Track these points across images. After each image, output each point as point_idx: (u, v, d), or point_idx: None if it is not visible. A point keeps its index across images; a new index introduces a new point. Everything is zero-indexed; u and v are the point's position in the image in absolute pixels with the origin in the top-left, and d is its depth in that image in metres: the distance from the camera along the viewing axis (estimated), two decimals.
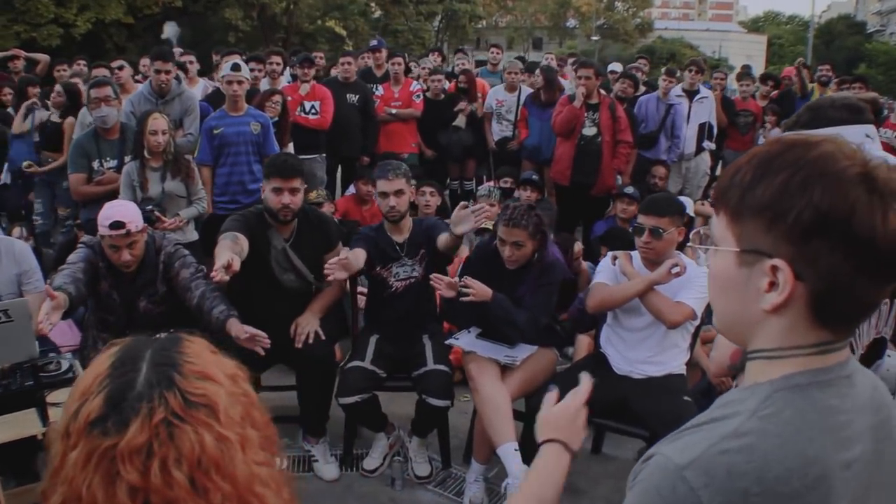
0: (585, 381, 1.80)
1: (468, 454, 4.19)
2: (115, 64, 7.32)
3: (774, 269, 1.08)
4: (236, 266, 3.49)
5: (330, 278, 3.85)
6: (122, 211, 3.85)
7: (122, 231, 3.76)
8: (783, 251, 1.07)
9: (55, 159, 6.76)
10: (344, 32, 33.99)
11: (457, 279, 3.81)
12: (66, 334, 4.64)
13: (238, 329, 3.73)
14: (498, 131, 8.44)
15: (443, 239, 4.05)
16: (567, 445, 1.69)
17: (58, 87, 7.02)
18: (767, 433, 1.06)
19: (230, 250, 3.63)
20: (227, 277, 3.46)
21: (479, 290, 3.74)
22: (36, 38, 22.23)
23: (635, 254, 3.89)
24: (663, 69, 9.26)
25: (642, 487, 1.11)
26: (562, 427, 1.71)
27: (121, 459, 0.93)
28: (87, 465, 0.93)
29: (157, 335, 3.16)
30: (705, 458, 1.06)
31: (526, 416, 3.93)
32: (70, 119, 6.98)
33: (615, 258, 3.90)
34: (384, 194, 4.14)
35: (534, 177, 6.91)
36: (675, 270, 3.61)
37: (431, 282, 3.85)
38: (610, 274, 3.91)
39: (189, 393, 0.99)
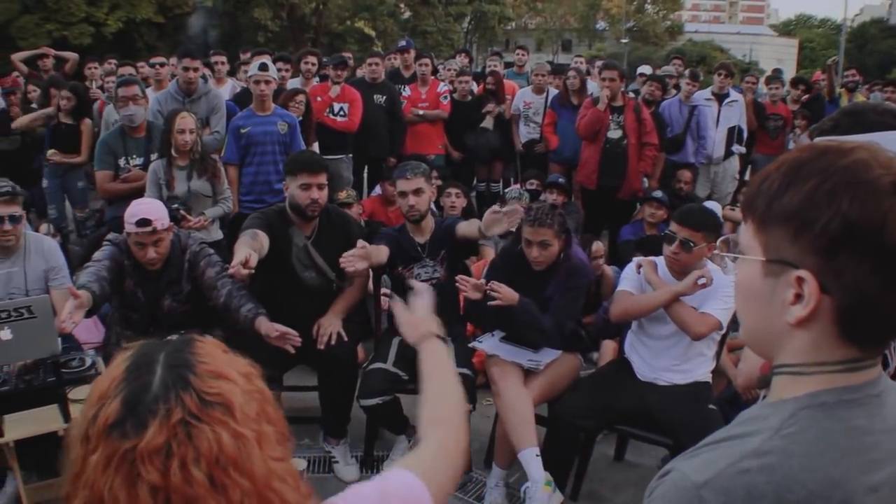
0: (418, 286, 2.06)
1: (489, 458, 4.17)
2: (156, 60, 7.34)
3: (800, 280, 1.04)
4: (253, 262, 3.50)
5: (350, 269, 3.82)
6: (149, 209, 3.88)
7: (149, 228, 3.79)
8: (809, 262, 1.03)
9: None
10: (373, 33, 34.09)
11: (483, 281, 3.79)
12: (91, 331, 4.68)
13: (268, 327, 3.76)
14: (525, 133, 8.40)
15: (463, 226, 4.05)
16: (441, 337, 1.83)
17: (65, 92, 7.05)
18: (790, 453, 1.02)
19: (248, 246, 3.64)
20: (244, 272, 3.46)
21: (505, 293, 3.71)
22: (67, 37, 22.53)
23: (660, 261, 3.84)
24: (687, 72, 9.19)
25: None
26: (428, 323, 1.86)
27: (141, 461, 0.94)
28: (108, 467, 0.95)
29: (172, 337, 3.18)
30: (724, 476, 1.02)
31: (548, 421, 3.90)
32: (87, 121, 7.05)
33: (639, 266, 3.86)
34: (403, 194, 4.13)
35: (560, 180, 6.89)
36: (700, 282, 3.55)
37: (457, 283, 3.82)
38: (634, 282, 3.87)
39: (205, 392, 1.01)
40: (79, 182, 7.24)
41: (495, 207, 3.84)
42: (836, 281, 1.02)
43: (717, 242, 1.26)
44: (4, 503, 3.92)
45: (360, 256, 3.75)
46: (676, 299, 3.62)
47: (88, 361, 3.87)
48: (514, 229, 3.89)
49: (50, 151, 6.85)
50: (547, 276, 3.92)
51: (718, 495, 1.01)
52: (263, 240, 3.88)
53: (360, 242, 3.90)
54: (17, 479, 3.51)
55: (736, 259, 1.18)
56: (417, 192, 4.11)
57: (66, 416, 3.40)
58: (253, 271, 3.52)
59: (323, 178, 4.12)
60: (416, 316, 1.90)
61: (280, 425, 1.09)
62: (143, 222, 3.78)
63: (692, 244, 3.59)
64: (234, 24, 30.30)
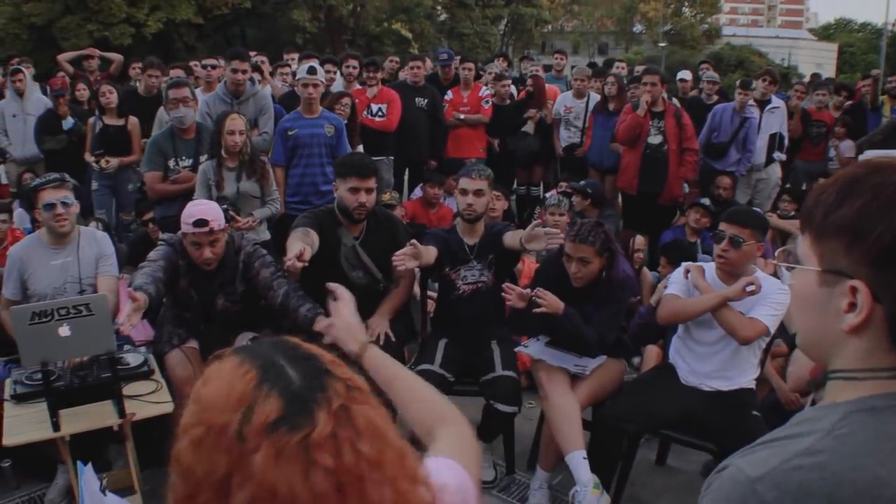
0: (339, 289, 2.11)
1: (532, 461, 4.20)
2: (208, 62, 7.43)
3: (853, 290, 1.10)
4: (307, 256, 3.57)
5: (401, 268, 3.87)
6: (206, 209, 3.95)
7: (206, 229, 3.86)
8: (862, 272, 1.09)
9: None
10: (409, 35, 34.14)
11: (528, 290, 3.82)
12: (137, 329, 4.74)
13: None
14: (566, 137, 8.43)
15: (509, 236, 4.10)
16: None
17: (105, 87, 7.18)
18: (840, 453, 1.07)
19: (301, 241, 3.71)
20: (298, 265, 3.53)
21: (551, 301, 3.74)
22: (108, 38, 22.84)
23: (709, 266, 3.85)
24: (737, 81, 9.11)
25: (713, 497, 1.13)
26: (360, 330, 1.96)
27: (315, 448, 0.99)
28: (280, 461, 0.98)
29: (242, 338, 3.21)
30: (778, 472, 1.07)
31: (592, 425, 3.93)
32: (133, 119, 7.14)
33: (687, 271, 3.87)
34: (464, 191, 4.17)
35: (588, 188, 6.83)
36: (749, 289, 3.54)
37: (503, 293, 3.84)
38: (682, 286, 3.87)
39: (345, 379, 1.08)
40: (129, 185, 7.32)
41: (537, 224, 3.88)
42: (887, 290, 1.08)
43: (777, 252, 1.30)
44: (56, 496, 4.02)
45: (411, 255, 3.80)
46: (725, 304, 3.63)
47: (141, 359, 3.97)
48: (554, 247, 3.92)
49: (96, 160, 6.92)
50: (588, 293, 3.95)
51: (771, 490, 1.06)
52: (314, 237, 3.95)
53: (412, 242, 3.95)
54: (69, 473, 3.59)
55: (793, 269, 1.23)
56: (478, 192, 4.15)
57: (122, 412, 3.47)
58: (307, 264, 3.59)
59: (372, 183, 4.19)
60: (348, 322, 1.98)
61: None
62: (201, 222, 3.85)
63: (741, 240, 3.61)
64: (272, 26, 30.53)
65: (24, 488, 4.15)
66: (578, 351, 4.00)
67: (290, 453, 0.98)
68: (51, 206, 4.04)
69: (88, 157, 7.08)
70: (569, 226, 3.95)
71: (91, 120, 7.26)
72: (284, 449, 0.98)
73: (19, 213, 6.64)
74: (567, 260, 3.91)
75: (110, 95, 7.16)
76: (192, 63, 7.67)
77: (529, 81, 8.65)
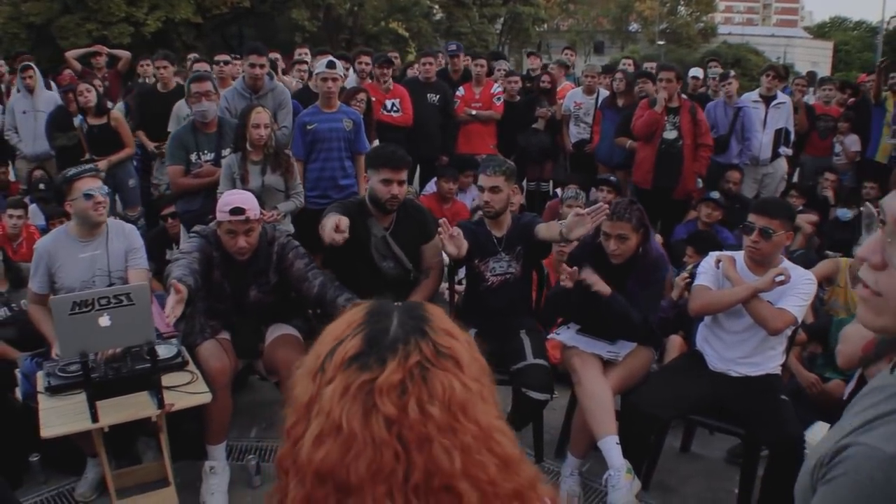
0: None
1: (561, 449, 4.25)
2: (220, 58, 7.40)
3: None
4: (344, 225, 3.68)
5: (447, 245, 3.97)
6: (242, 198, 3.98)
7: (242, 217, 3.89)
8: None
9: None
10: (407, 34, 34.13)
11: (576, 269, 3.87)
12: (156, 320, 4.73)
13: None
14: (575, 133, 8.48)
15: (543, 228, 4.14)
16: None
17: (83, 85, 7.14)
18: None
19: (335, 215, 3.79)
20: (337, 237, 3.58)
21: (598, 282, 3.83)
22: (107, 37, 22.70)
23: (739, 255, 3.90)
24: (719, 74, 9.16)
25: (852, 480, 1.13)
26: None
27: (378, 392, 1.01)
28: (345, 395, 1.02)
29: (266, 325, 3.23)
30: None
31: (622, 412, 3.97)
32: (115, 112, 7.11)
33: (718, 261, 3.91)
34: (482, 188, 4.23)
35: (611, 178, 6.95)
36: (779, 279, 3.62)
37: (561, 273, 3.90)
38: (712, 276, 3.92)
39: (439, 344, 1.08)
40: (130, 180, 7.31)
41: (578, 209, 3.91)
42: None
43: (858, 285, 1.32)
44: (87, 489, 4.03)
45: (455, 238, 3.89)
46: (755, 295, 3.68)
47: (175, 350, 3.93)
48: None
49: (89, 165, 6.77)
50: (626, 270, 4.00)
51: None
52: (346, 220, 4.00)
53: (455, 228, 4.01)
54: (103, 466, 3.58)
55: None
56: (494, 189, 4.19)
57: (161, 402, 3.44)
58: (346, 234, 3.63)
59: (404, 175, 4.24)
60: None
61: (494, 394, 1.15)
62: (237, 210, 3.88)
63: (771, 231, 3.66)
64: (271, 25, 30.49)
65: (52, 483, 4.16)
66: (609, 338, 4.04)
67: (355, 392, 1.02)
68: (90, 196, 4.01)
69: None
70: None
71: (76, 121, 7.20)
72: (350, 386, 1.02)
73: (33, 208, 6.64)
74: (605, 238, 3.96)
75: (88, 94, 7.07)
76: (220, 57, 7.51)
77: (545, 77, 8.68)
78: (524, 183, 8.54)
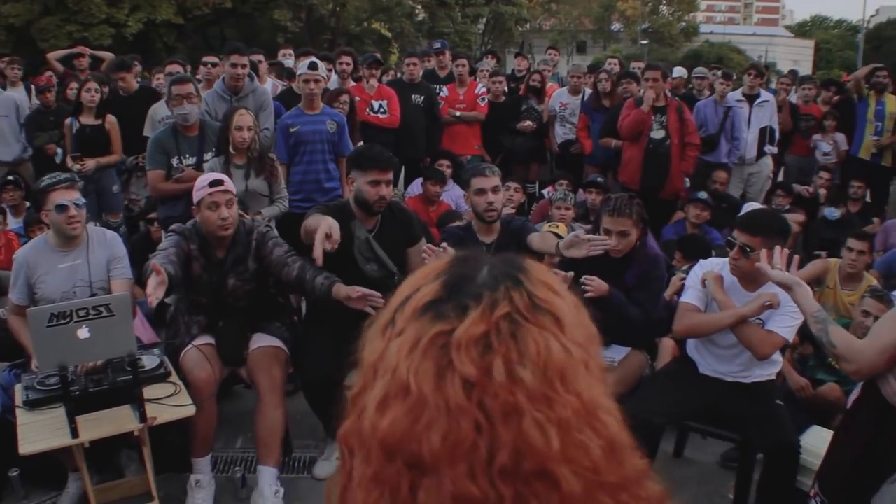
0: None
1: None
2: (209, 59, 7.25)
3: None
4: (336, 234, 3.61)
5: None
6: (216, 175, 4.08)
7: (222, 187, 3.92)
8: None
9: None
10: (389, 34, 34.12)
11: (571, 274, 3.79)
12: (138, 329, 4.61)
13: (347, 290, 3.82)
14: (561, 134, 8.43)
15: (537, 240, 4.06)
16: None
17: (91, 84, 6.96)
18: None
19: (324, 219, 3.71)
20: (327, 247, 3.55)
21: (597, 284, 3.77)
22: (88, 38, 22.55)
23: (727, 271, 3.76)
24: (719, 72, 9.17)
25: None
26: None
27: (455, 348, 0.82)
28: (414, 350, 0.84)
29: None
30: None
31: None
32: (111, 117, 6.94)
33: (704, 281, 3.79)
34: (482, 191, 4.14)
35: (599, 179, 6.92)
36: (766, 304, 3.53)
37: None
38: (698, 294, 3.81)
39: (536, 297, 0.87)
40: (113, 186, 7.12)
41: (580, 232, 3.84)
42: None
43: None
44: None
45: (437, 254, 3.81)
46: (743, 321, 3.59)
47: (157, 361, 3.86)
48: (557, 230, 3.92)
49: (74, 164, 6.51)
50: (624, 265, 3.96)
51: None
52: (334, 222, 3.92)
53: (442, 245, 3.93)
54: (84, 481, 3.51)
55: None
56: (496, 189, 4.14)
57: (143, 416, 3.36)
58: (338, 243, 3.62)
59: (391, 175, 4.17)
60: None
61: (603, 369, 0.93)
62: (216, 182, 3.93)
63: (751, 249, 3.52)
64: (253, 26, 30.41)
65: (32, 498, 4.06)
66: (604, 342, 3.98)
67: (426, 345, 0.83)
68: (63, 208, 3.89)
69: (68, 161, 6.70)
70: (603, 202, 3.94)
71: (67, 121, 7.01)
72: (421, 339, 0.84)
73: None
74: (606, 234, 3.91)
75: (94, 94, 6.91)
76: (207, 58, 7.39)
77: (535, 76, 8.64)
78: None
